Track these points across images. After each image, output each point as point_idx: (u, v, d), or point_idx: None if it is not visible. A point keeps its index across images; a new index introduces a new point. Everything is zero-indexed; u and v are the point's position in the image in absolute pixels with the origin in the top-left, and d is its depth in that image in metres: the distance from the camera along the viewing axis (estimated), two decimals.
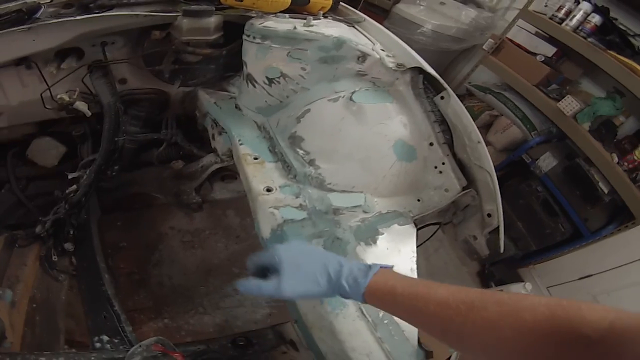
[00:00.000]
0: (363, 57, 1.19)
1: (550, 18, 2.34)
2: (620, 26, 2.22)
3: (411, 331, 0.94)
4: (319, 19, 1.25)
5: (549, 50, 2.51)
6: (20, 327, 1.35)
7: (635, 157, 2.11)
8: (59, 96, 1.33)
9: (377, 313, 0.94)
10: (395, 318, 0.91)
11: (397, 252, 1.08)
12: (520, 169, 2.51)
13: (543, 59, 2.44)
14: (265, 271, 0.75)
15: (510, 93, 2.65)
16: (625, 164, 2.14)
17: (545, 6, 2.45)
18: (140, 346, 1.13)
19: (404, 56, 1.22)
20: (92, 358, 1.17)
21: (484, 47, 2.71)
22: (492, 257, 1.29)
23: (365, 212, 1.13)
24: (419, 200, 1.21)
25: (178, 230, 2.17)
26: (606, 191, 2.27)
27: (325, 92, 1.20)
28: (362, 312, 0.93)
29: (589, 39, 2.20)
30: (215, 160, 1.78)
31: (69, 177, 1.57)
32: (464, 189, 1.17)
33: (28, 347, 1.32)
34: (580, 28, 2.24)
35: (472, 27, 2.77)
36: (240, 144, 1.28)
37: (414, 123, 1.19)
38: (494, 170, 1.12)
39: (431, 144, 1.19)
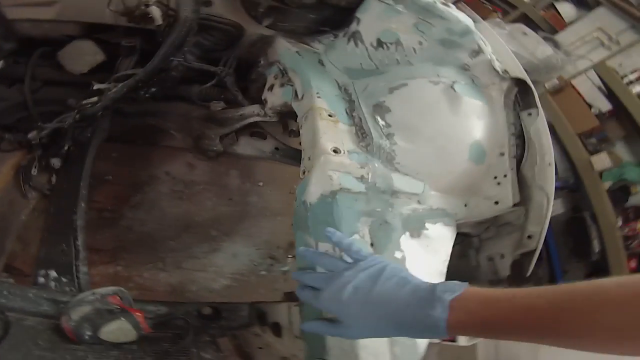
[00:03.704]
0: (477, 52, 1.21)
1: (621, 77, 2.40)
2: None
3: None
4: (451, 4, 1.25)
5: (605, 106, 2.59)
6: None
7: (638, 228, 2.27)
8: None
9: None
10: None
11: (435, 252, 1.06)
12: None
13: (597, 112, 2.52)
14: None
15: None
16: (627, 229, 2.30)
17: (620, 65, 2.52)
18: (94, 294, 1.01)
19: (511, 65, 1.24)
20: (31, 295, 1.06)
21: (546, 85, 2.76)
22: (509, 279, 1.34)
23: (419, 202, 1.11)
24: (465, 205, 1.20)
25: (173, 177, 1.98)
26: (597, 250, 2.43)
27: (428, 72, 1.20)
28: None
29: None
30: (258, 112, 1.61)
31: (95, 87, 1.40)
32: (514, 205, 1.20)
33: None
34: None
35: (542, 63, 2.79)
36: (318, 97, 1.18)
37: (495, 129, 1.21)
38: (553, 195, 1.16)
39: (502, 154, 1.21)
